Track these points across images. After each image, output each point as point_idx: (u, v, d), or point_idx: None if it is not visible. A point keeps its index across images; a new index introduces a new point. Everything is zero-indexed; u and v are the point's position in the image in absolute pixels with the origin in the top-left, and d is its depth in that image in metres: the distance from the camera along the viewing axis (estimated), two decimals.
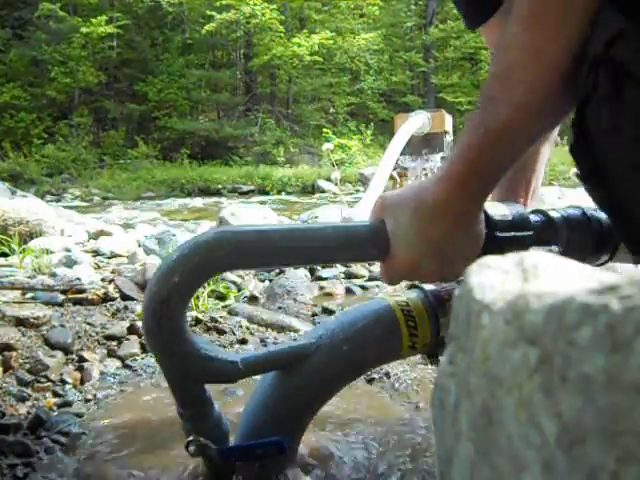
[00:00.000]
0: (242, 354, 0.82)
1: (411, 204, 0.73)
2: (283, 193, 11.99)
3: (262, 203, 7.50)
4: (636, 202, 0.56)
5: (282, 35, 16.69)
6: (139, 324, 1.57)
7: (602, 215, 0.85)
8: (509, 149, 0.67)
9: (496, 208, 0.80)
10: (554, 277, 0.30)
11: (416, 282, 0.89)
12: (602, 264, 0.90)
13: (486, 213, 0.77)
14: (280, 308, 1.88)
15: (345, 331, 0.84)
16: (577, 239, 0.85)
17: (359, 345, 0.84)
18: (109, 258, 2.51)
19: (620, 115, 0.54)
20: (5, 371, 1.27)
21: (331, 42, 16.48)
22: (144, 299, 0.73)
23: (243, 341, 1.54)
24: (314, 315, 1.82)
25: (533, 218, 0.83)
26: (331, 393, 0.89)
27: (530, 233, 0.80)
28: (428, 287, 0.87)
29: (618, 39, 0.52)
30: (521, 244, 0.78)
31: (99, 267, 2.27)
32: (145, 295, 0.73)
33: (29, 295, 1.72)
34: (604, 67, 0.54)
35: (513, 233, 0.78)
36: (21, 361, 1.31)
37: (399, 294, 0.88)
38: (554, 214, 0.85)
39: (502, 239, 0.77)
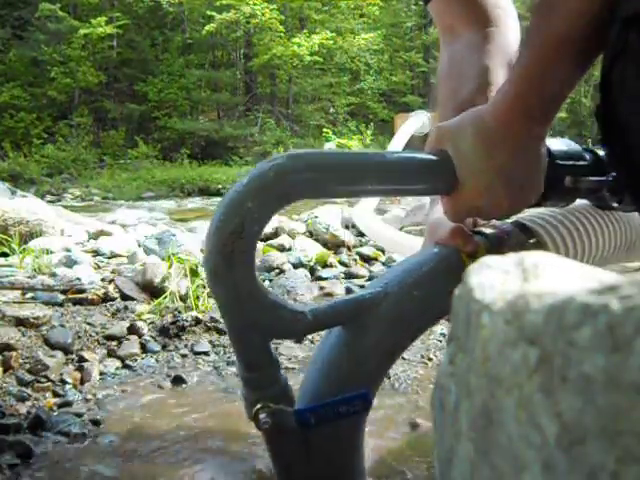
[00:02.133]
0: (309, 305, 0.74)
1: (472, 129, 0.68)
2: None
3: None
4: None
5: (282, 35, 16.68)
6: (139, 324, 1.57)
7: None
8: (570, 61, 0.63)
9: (551, 140, 0.79)
10: (554, 277, 0.30)
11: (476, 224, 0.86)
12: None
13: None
14: None
15: (413, 276, 0.78)
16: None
17: (429, 289, 0.78)
18: (109, 258, 2.51)
19: None
20: (5, 371, 1.27)
21: (331, 42, 16.48)
22: (206, 238, 0.62)
23: None
24: None
25: (583, 151, 0.82)
26: (406, 342, 0.83)
27: (587, 163, 0.79)
28: (487, 230, 0.83)
29: None
30: (579, 173, 0.76)
31: (99, 267, 2.27)
32: (209, 231, 0.62)
33: (29, 295, 1.72)
34: (636, 28, 0.52)
35: (572, 162, 0.77)
36: (21, 361, 1.31)
37: None
38: (600, 152, 0.83)
39: (563, 167, 0.75)
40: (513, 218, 0.83)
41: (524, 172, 0.70)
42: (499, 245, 0.82)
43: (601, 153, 0.85)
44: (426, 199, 1.46)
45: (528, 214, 0.87)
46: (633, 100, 0.54)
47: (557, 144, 0.79)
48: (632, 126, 0.55)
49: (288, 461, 0.73)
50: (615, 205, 0.85)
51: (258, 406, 0.66)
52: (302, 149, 0.74)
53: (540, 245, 0.84)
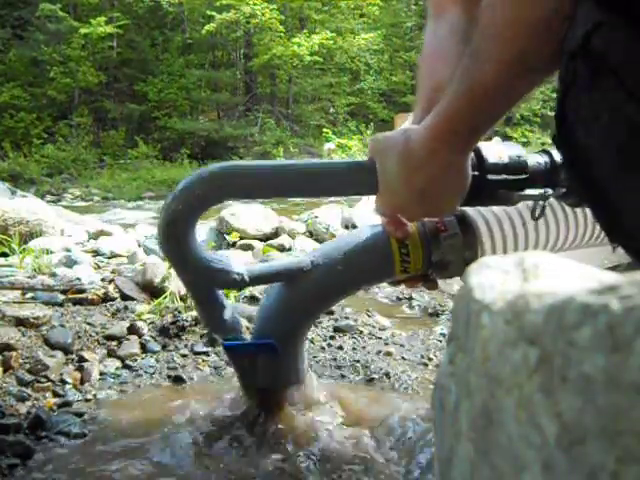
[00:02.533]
0: (250, 266, 0.97)
1: (397, 151, 0.75)
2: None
3: (262, 203, 7.48)
4: (615, 191, 0.57)
5: (282, 35, 16.67)
6: (139, 324, 1.57)
7: None
8: (491, 106, 0.67)
9: (493, 150, 0.81)
10: (554, 277, 0.30)
11: None
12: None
13: (480, 154, 0.79)
14: None
15: (340, 253, 0.96)
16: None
17: (352, 266, 0.96)
18: (109, 258, 2.51)
19: (598, 104, 0.55)
20: (5, 371, 1.27)
21: (331, 42, 16.46)
22: (158, 223, 0.89)
23: None
24: None
25: (536, 160, 0.84)
26: (324, 306, 1.05)
27: (524, 177, 0.81)
28: (426, 220, 0.94)
29: (596, 31, 0.53)
30: (513, 187, 0.81)
31: (99, 267, 2.27)
32: (158, 219, 0.89)
33: (29, 295, 1.72)
34: (583, 58, 0.55)
35: (507, 176, 0.80)
36: (21, 361, 1.31)
37: None
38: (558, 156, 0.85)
39: (495, 181, 0.80)
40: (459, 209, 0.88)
41: (439, 194, 0.77)
42: (434, 234, 0.92)
43: (558, 159, 0.85)
44: None
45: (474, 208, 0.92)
46: (588, 125, 0.57)
47: (495, 155, 0.81)
48: (590, 146, 0.58)
49: (233, 364, 1.08)
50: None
51: (204, 332, 1.02)
52: (228, 163, 0.93)
53: (475, 236, 0.90)
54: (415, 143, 0.73)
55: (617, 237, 0.63)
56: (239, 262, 0.98)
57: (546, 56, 0.61)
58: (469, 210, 0.93)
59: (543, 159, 0.85)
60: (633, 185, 0.53)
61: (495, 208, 0.93)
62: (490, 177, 0.79)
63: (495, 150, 0.81)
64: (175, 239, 0.88)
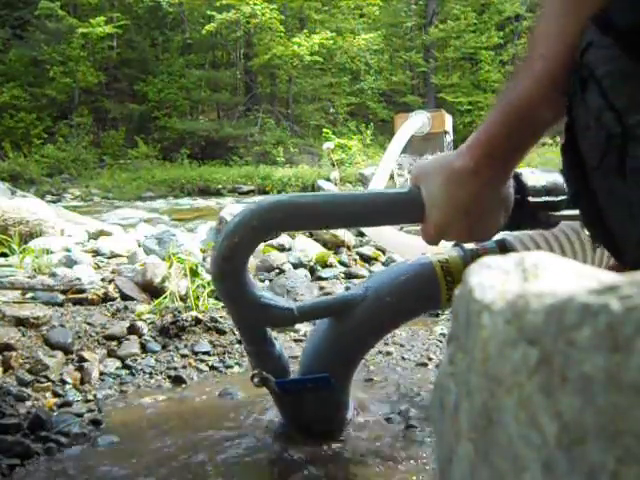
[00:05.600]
0: (298, 302, 0.98)
1: (441, 171, 0.79)
2: (283, 193, 11.94)
3: None
4: (606, 201, 0.60)
5: (282, 35, 16.66)
6: (139, 324, 1.57)
7: None
8: (529, 123, 0.70)
9: (532, 175, 0.85)
10: (554, 277, 0.30)
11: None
12: None
13: (519, 179, 0.83)
14: None
15: (389, 284, 0.97)
16: None
17: (401, 297, 0.97)
18: (109, 258, 2.50)
19: (588, 113, 0.59)
20: (5, 371, 1.27)
21: (331, 42, 16.45)
22: (211, 256, 0.89)
23: None
24: None
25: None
26: (376, 338, 1.04)
27: (564, 197, 0.85)
28: (469, 245, 0.97)
29: (588, 48, 0.59)
30: (554, 208, 0.84)
31: (99, 267, 2.27)
32: (212, 253, 0.89)
33: (29, 295, 1.72)
34: (579, 72, 0.60)
35: (547, 198, 0.84)
36: (21, 361, 1.31)
37: (442, 252, 1.00)
38: None
39: (536, 203, 0.83)
40: (500, 235, 0.91)
41: (483, 213, 0.80)
42: (475, 260, 0.90)
43: None
44: None
45: (517, 234, 0.95)
46: (582, 133, 0.62)
47: (535, 179, 0.85)
48: (586, 154, 0.62)
49: (277, 405, 1.05)
50: None
51: (254, 371, 0.96)
52: (281, 195, 0.95)
53: None
54: (458, 163, 0.77)
55: (608, 247, 0.66)
56: (286, 298, 1.03)
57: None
58: (509, 237, 0.96)
59: None
60: (612, 190, 0.58)
61: (535, 235, 0.96)
62: (531, 199, 0.83)
63: (534, 175, 0.85)
64: (231, 275, 0.87)
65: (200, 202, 9.72)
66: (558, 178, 0.86)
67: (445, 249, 1.03)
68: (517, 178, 0.83)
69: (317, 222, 0.91)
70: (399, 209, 0.87)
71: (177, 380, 1.38)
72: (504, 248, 0.97)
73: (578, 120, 0.62)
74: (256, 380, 0.94)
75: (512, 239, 0.97)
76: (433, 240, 0.86)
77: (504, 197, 0.80)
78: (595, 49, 0.58)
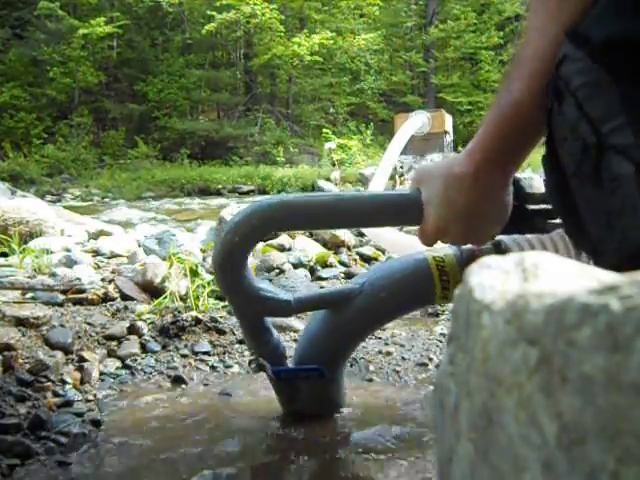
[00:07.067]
0: (296, 294, 1.02)
1: (442, 174, 0.80)
2: (283, 193, 11.96)
3: None
4: (585, 211, 0.61)
5: (282, 35, 16.66)
6: (139, 324, 1.57)
7: None
8: (525, 124, 0.71)
9: (531, 182, 0.89)
10: (554, 277, 0.30)
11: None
12: None
13: (519, 185, 0.86)
14: None
15: (385, 280, 1.00)
16: None
17: (395, 293, 1.00)
18: (109, 258, 2.50)
19: (564, 124, 0.60)
20: (5, 371, 1.27)
21: (331, 42, 16.44)
22: (213, 254, 0.94)
23: (243, 341, 1.54)
24: None
25: None
26: (369, 332, 1.08)
27: None
28: (466, 245, 0.98)
29: (564, 61, 0.60)
30: (551, 216, 0.87)
31: (99, 267, 2.27)
32: (213, 251, 0.94)
33: (29, 295, 1.72)
34: (553, 83, 0.62)
35: (545, 206, 0.87)
36: (21, 361, 1.31)
37: (438, 250, 1.01)
38: None
39: (533, 210, 0.87)
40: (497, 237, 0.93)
41: (481, 217, 0.81)
42: (472, 261, 0.91)
43: None
44: None
45: (512, 236, 0.96)
46: (560, 144, 0.63)
47: (532, 187, 0.88)
48: (565, 165, 0.63)
49: (274, 389, 1.11)
50: None
51: (251, 357, 1.06)
52: (282, 195, 1.01)
53: None
54: (458, 167, 0.78)
55: (589, 254, 0.66)
56: (285, 290, 1.06)
57: None
58: (505, 238, 0.98)
59: None
60: (590, 199, 0.59)
61: (532, 238, 0.97)
62: (529, 207, 0.86)
63: (533, 182, 0.88)
64: (230, 269, 0.92)
65: (200, 202, 9.72)
66: None
67: (441, 247, 1.04)
68: (516, 184, 0.84)
69: (317, 222, 0.93)
70: (399, 210, 0.88)
71: (177, 380, 1.38)
72: (499, 249, 0.98)
73: (556, 131, 0.63)
74: (253, 366, 1.03)
75: (508, 240, 0.98)
76: (429, 242, 0.88)
77: (503, 203, 0.81)
78: (569, 62, 0.59)
